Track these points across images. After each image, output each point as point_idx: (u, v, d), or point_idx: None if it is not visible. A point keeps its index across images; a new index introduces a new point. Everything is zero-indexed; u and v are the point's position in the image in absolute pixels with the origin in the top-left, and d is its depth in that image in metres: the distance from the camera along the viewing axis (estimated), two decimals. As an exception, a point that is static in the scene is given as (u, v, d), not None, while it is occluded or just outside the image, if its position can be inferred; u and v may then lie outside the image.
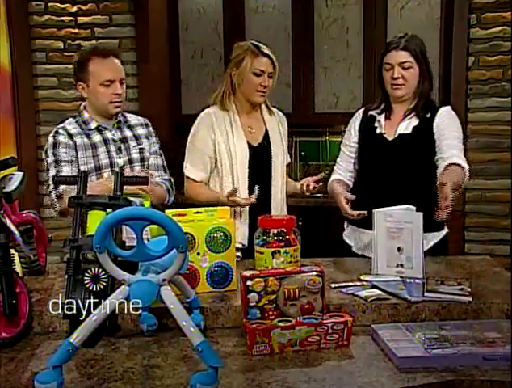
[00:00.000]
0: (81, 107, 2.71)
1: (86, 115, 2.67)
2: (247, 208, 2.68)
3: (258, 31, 4.51)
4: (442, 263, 2.37)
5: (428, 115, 2.57)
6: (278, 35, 4.50)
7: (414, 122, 2.57)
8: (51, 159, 2.59)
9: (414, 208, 2.22)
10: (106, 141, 2.64)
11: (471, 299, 1.87)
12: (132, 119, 2.77)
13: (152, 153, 2.73)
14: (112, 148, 2.64)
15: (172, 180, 2.77)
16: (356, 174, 2.72)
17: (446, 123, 2.55)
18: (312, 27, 4.49)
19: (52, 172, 2.55)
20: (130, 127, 2.72)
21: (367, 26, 4.38)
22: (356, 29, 4.43)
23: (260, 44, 2.74)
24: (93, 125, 2.64)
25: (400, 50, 2.52)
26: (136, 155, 2.67)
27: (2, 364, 1.61)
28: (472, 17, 3.88)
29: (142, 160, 2.69)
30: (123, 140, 2.67)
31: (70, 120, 2.69)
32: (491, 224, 3.91)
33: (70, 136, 2.61)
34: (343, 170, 2.72)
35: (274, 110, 2.89)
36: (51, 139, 2.62)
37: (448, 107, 2.62)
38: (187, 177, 2.78)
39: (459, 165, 2.38)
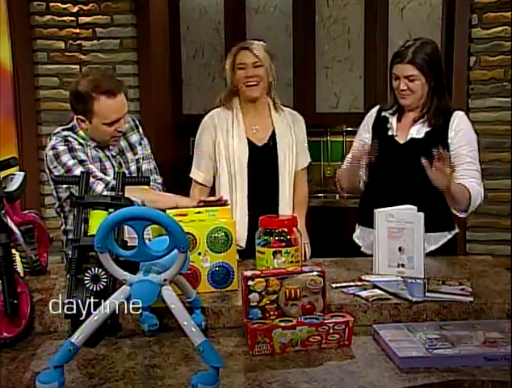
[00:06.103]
0: (75, 123, 2.49)
1: (82, 133, 2.48)
2: (247, 210, 2.68)
3: (259, 30, 4.50)
4: (444, 263, 2.37)
5: (441, 121, 2.54)
6: (279, 35, 4.50)
7: (427, 127, 2.55)
8: (72, 162, 2.38)
9: (415, 207, 2.22)
10: (108, 157, 2.53)
11: (472, 299, 1.87)
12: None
13: (145, 157, 2.65)
14: (114, 163, 2.54)
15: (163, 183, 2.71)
16: (366, 169, 2.66)
17: (463, 138, 2.53)
18: (314, 27, 4.48)
19: (79, 171, 2.20)
20: (123, 135, 2.57)
21: (369, 26, 4.37)
22: (357, 29, 4.41)
23: (247, 40, 2.78)
24: (92, 144, 2.49)
25: (405, 64, 2.49)
26: (133, 167, 2.60)
27: (4, 364, 1.62)
28: (474, 17, 3.87)
29: (139, 169, 2.62)
30: (121, 153, 2.58)
31: (69, 132, 2.47)
32: (492, 224, 3.90)
33: (81, 145, 2.46)
34: None
35: (288, 110, 2.86)
36: (62, 147, 2.41)
37: (462, 114, 2.60)
38: (192, 179, 2.81)
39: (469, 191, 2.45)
